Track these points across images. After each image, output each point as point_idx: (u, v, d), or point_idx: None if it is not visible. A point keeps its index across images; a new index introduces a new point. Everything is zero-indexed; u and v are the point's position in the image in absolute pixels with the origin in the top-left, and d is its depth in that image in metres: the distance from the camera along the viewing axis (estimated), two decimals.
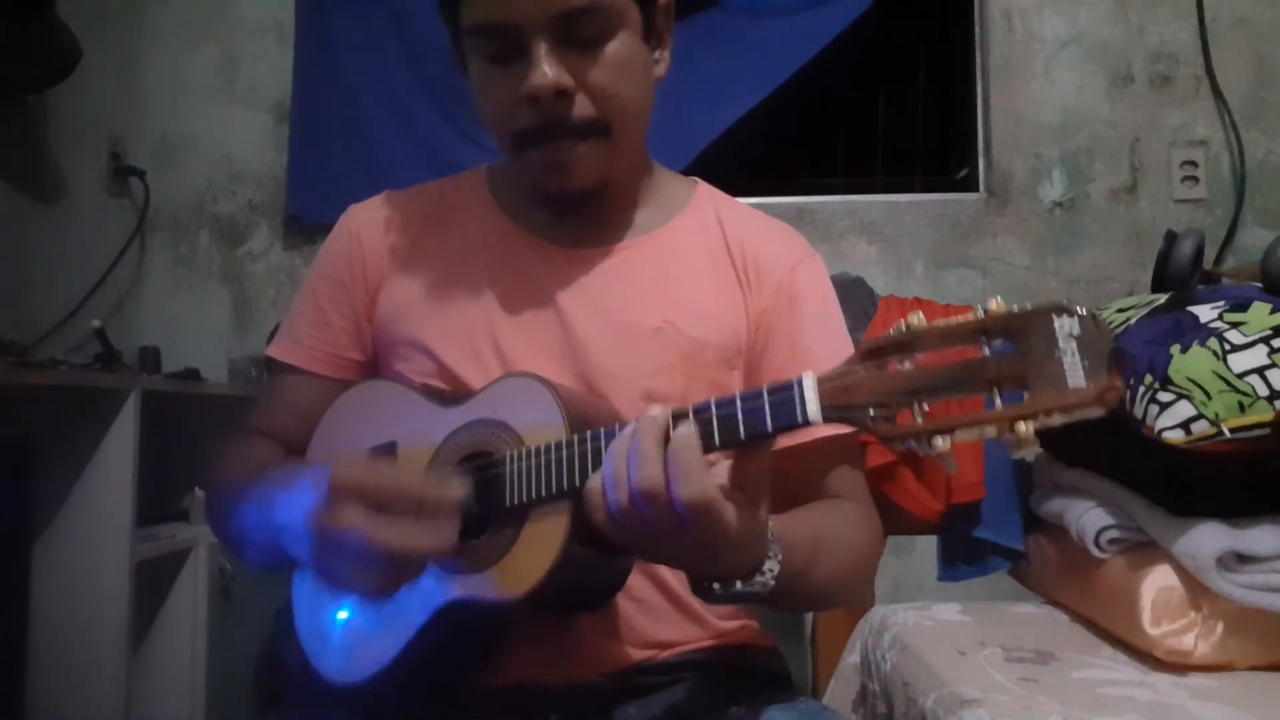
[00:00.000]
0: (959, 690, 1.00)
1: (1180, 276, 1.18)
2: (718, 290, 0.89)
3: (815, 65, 2.38)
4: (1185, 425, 1.03)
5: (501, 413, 0.75)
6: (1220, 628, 1.04)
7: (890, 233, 2.43)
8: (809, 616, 2.07)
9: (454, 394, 0.82)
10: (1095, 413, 0.51)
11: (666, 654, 0.84)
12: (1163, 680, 1.03)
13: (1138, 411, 1.08)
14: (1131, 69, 2.42)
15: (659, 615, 0.84)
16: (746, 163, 2.40)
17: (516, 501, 0.70)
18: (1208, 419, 1.02)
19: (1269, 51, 2.39)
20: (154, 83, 2.55)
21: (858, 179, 2.56)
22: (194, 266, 2.55)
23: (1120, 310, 1.26)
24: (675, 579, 0.84)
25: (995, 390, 0.53)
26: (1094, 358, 0.51)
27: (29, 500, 1.76)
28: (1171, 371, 1.05)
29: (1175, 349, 1.06)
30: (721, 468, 0.62)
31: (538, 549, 0.68)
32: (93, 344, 2.09)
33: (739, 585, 0.65)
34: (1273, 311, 1.07)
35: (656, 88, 0.88)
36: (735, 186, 1.04)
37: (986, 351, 0.54)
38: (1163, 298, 1.21)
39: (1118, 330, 1.19)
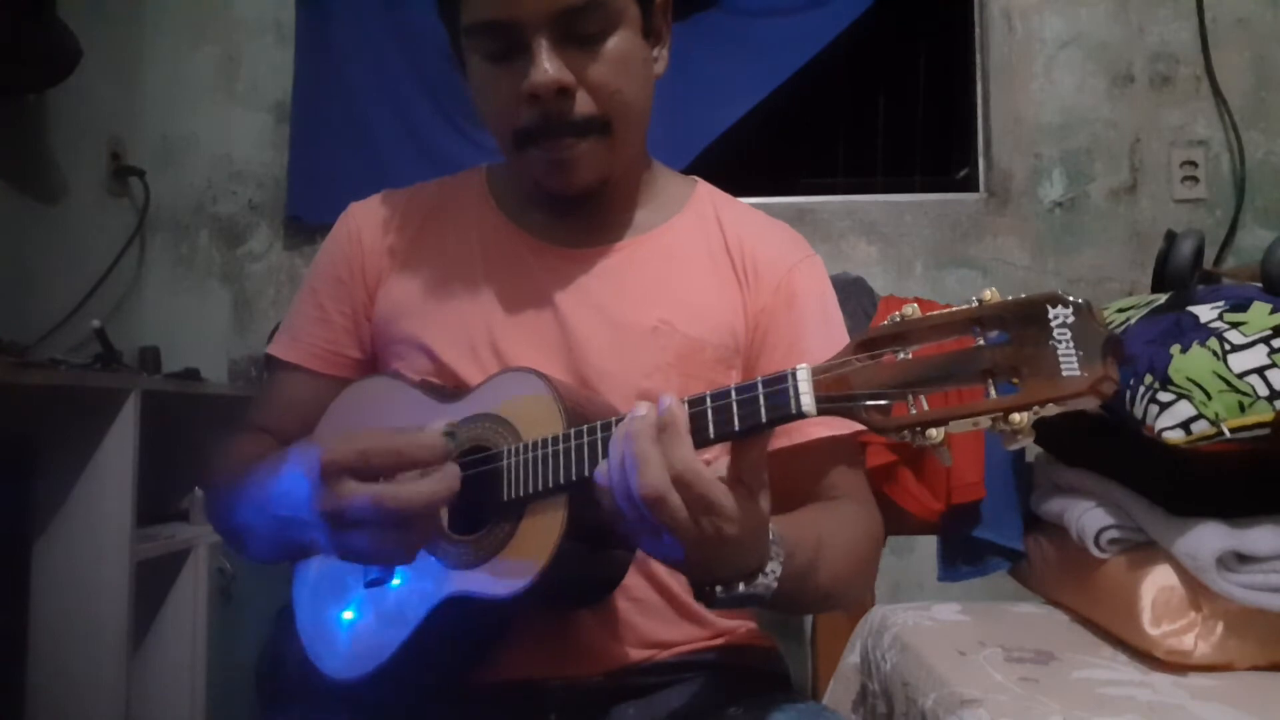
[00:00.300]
0: (959, 690, 1.00)
1: (1180, 276, 1.18)
2: (716, 290, 0.89)
3: (815, 65, 2.38)
4: (1185, 425, 1.03)
5: (499, 407, 0.75)
6: (1220, 628, 1.04)
7: (890, 233, 2.43)
8: (809, 617, 2.07)
9: (452, 390, 0.82)
10: (1089, 403, 0.51)
11: (666, 654, 0.84)
12: (1163, 680, 1.03)
13: (1138, 411, 1.08)
14: (1131, 69, 2.42)
15: (658, 615, 0.84)
16: (746, 163, 2.39)
17: (514, 495, 0.70)
18: (1208, 419, 1.02)
19: (1269, 51, 2.39)
20: (154, 83, 2.55)
21: (858, 179, 2.56)
22: (194, 266, 2.56)
23: (1120, 310, 1.26)
24: (674, 579, 0.84)
25: (990, 381, 0.53)
26: (1088, 347, 0.50)
27: (29, 500, 1.76)
28: (1171, 371, 1.05)
29: (1175, 349, 1.06)
30: (720, 460, 0.62)
31: (536, 542, 0.68)
32: (93, 344, 2.09)
33: (741, 587, 0.64)
34: (1273, 311, 1.07)
35: (656, 87, 0.88)
36: (735, 186, 1.04)
37: (981, 342, 0.54)
38: (1163, 298, 1.21)
39: (1118, 330, 1.19)
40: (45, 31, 1.96)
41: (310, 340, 0.92)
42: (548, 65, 0.77)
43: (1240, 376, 1.02)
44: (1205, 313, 1.10)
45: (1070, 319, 0.51)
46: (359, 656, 0.75)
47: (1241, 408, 1.02)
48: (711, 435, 0.61)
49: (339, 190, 1.38)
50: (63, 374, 1.79)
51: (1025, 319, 0.52)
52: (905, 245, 2.43)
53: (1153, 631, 1.06)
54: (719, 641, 0.87)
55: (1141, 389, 1.07)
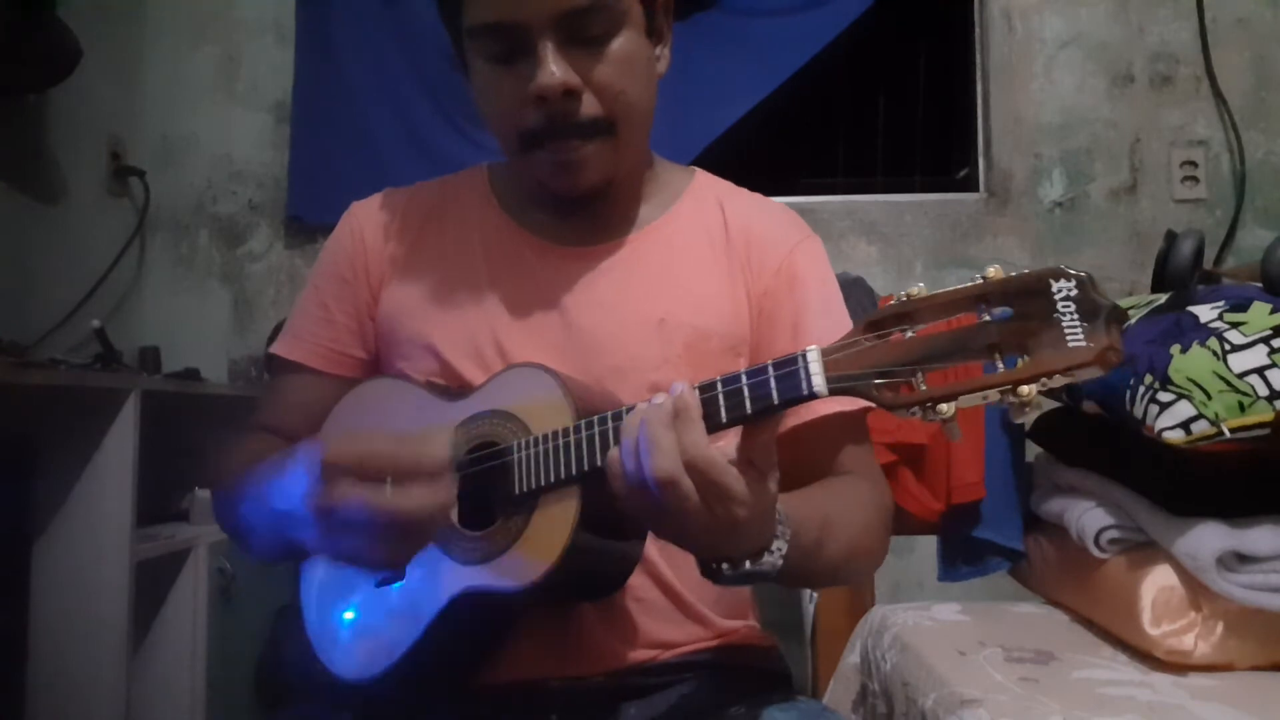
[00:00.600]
0: (959, 690, 1.00)
1: (1180, 276, 1.18)
2: (718, 278, 0.90)
3: (815, 65, 2.38)
4: (1185, 425, 1.03)
5: (506, 403, 0.75)
6: (1220, 628, 1.04)
7: (890, 233, 2.43)
8: (809, 617, 2.07)
9: (458, 389, 0.82)
10: (1095, 373, 0.51)
11: (668, 654, 0.84)
12: (1163, 680, 1.03)
13: (1138, 411, 1.08)
14: (1131, 69, 2.42)
15: (661, 615, 0.84)
16: (746, 163, 2.37)
17: (525, 489, 0.70)
18: (1208, 419, 1.02)
19: (1269, 51, 2.39)
20: (154, 83, 2.55)
21: (858, 179, 2.56)
22: (194, 266, 2.55)
23: None
24: (678, 578, 0.84)
25: (997, 355, 0.54)
26: (1092, 319, 0.51)
27: (29, 500, 1.76)
28: (1171, 371, 1.05)
29: (1175, 349, 1.06)
30: (730, 442, 0.62)
31: (549, 534, 0.68)
32: (93, 344, 2.09)
33: (748, 565, 0.65)
34: (1273, 311, 1.07)
35: (657, 87, 0.88)
36: None
37: (986, 318, 0.54)
38: (1163, 298, 1.21)
39: None
40: (45, 31, 1.96)
41: (314, 340, 0.92)
42: (554, 67, 0.77)
43: (1240, 376, 1.02)
44: (1205, 313, 1.10)
45: (1073, 292, 0.52)
46: (370, 656, 0.75)
47: (1241, 408, 1.02)
48: (724, 419, 0.62)
49: (339, 190, 1.38)
50: (63, 374, 1.79)
51: (1029, 294, 0.53)
52: (905, 245, 2.43)
53: (1153, 631, 1.06)
54: (720, 641, 0.87)
55: (1141, 389, 1.07)
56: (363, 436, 0.65)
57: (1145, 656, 1.09)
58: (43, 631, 1.76)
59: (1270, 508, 1.05)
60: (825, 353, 0.59)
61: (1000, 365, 0.53)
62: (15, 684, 1.73)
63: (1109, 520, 1.16)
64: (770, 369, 0.61)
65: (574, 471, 0.68)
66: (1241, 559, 1.03)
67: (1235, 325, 1.07)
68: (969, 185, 2.52)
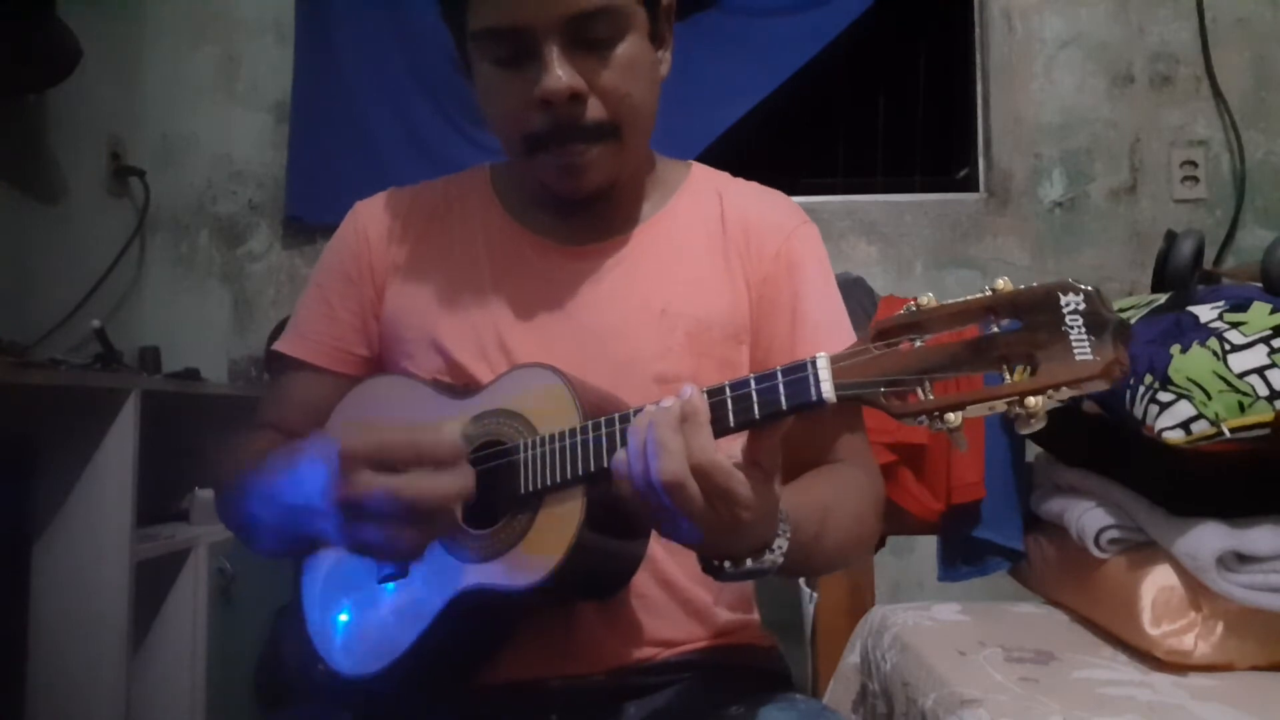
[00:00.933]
0: (959, 690, 1.00)
1: (1180, 276, 1.18)
2: (718, 267, 0.90)
3: (815, 65, 2.38)
4: (1185, 425, 1.03)
5: (513, 402, 0.75)
6: (1220, 628, 1.04)
7: (890, 233, 2.43)
8: (809, 617, 2.07)
9: (464, 387, 0.83)
10: (1101, 386, 0.52)
11: (668, 653, 0.84)
12: (1163, 680, 1.03)
13: (1138, 411, 1.08)
14: (1131, 69, 2.42)
15: (661, 612, 0.84)
16: (746, 163, 2.37)
17: (531, 488, 0.71)
18: (1208, 419, 1.02)
19: (1269, 51, 2.39)
20: (154, 83, 2.55)
21: (858, 179, 2.56)
22: (194, 266, 2.55)
23: (1120, 310, 1.26)
24: (680, 574, 0.85)
25: (1004, 367, 0.54)
26: (1099, 333, 0.52)
27: (29, 500, 1.76)
28: (1171, 371, 1.05)
29: (1175, 349, 1.06)
30: (736, 444, 0.63)
31: (554, 533, 0.69)
32: (93, 344, 2.09)
33: (749, 563, 0.66)
34: (1273, 311, 1.07)
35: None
36: None
37: (995, 329, 0.55)
38: (1163, 298, 1.21)
39: None
40: (45, 31, 1.96)
41: (317, 338, 0.92)
42: (560, 71, 0.77)
43: (1240, 376, 1.02)
44: (1205, 313, 1.10)
45: (1081, 305, 0.53)
46: (371, 652, 0.75)
47: (1241, 408, 1.02)
48: (732, 424, 0.63)
49: (339, 190, 1.38)
50: (63, 374, 1.79)
51: (1038, 306, 0.54)
52: (905, 245, 2.43)
53: (1153, 631, 1.06)
54: (720, 641, 0.87)
55: (1141, 389, 1.07)
56: (377, 427, 0.65)
57: (1145, 656, 1.09)
58: (43, 631, 1.76)
59: (1270, 508, 1.05)
60: (834, 360, 0.60)
61: (1007, 376, 0.54)
62: (15, 684, 1.73)
63: (1109, 520, 1.16)
64: (779, 375, 0.62)
65: (580, 472, 0.68)
66: (1241, 559, 1.03)
67: (1235, 325, 1.07)
68: (969, 185, 2.52)
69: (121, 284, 2.41)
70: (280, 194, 2.53)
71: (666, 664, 0.84)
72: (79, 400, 1.74)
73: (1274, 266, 1.14)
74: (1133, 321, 1.18)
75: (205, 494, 2.05)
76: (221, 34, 2.58)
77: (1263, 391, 1.02)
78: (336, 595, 0.80)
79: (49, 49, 1.99)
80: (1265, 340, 1.04)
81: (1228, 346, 1.05)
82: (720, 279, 0.90)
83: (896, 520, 1.47)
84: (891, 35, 2.53)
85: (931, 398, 0.56)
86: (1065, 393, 0.53)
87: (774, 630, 0.95)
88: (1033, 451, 1.48)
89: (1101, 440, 1.22)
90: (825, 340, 0.87)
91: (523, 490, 0.71)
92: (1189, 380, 1.04)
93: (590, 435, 0.68)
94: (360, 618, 0.78)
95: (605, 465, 0.66)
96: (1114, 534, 1.16)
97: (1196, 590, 1.05)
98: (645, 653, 0.83)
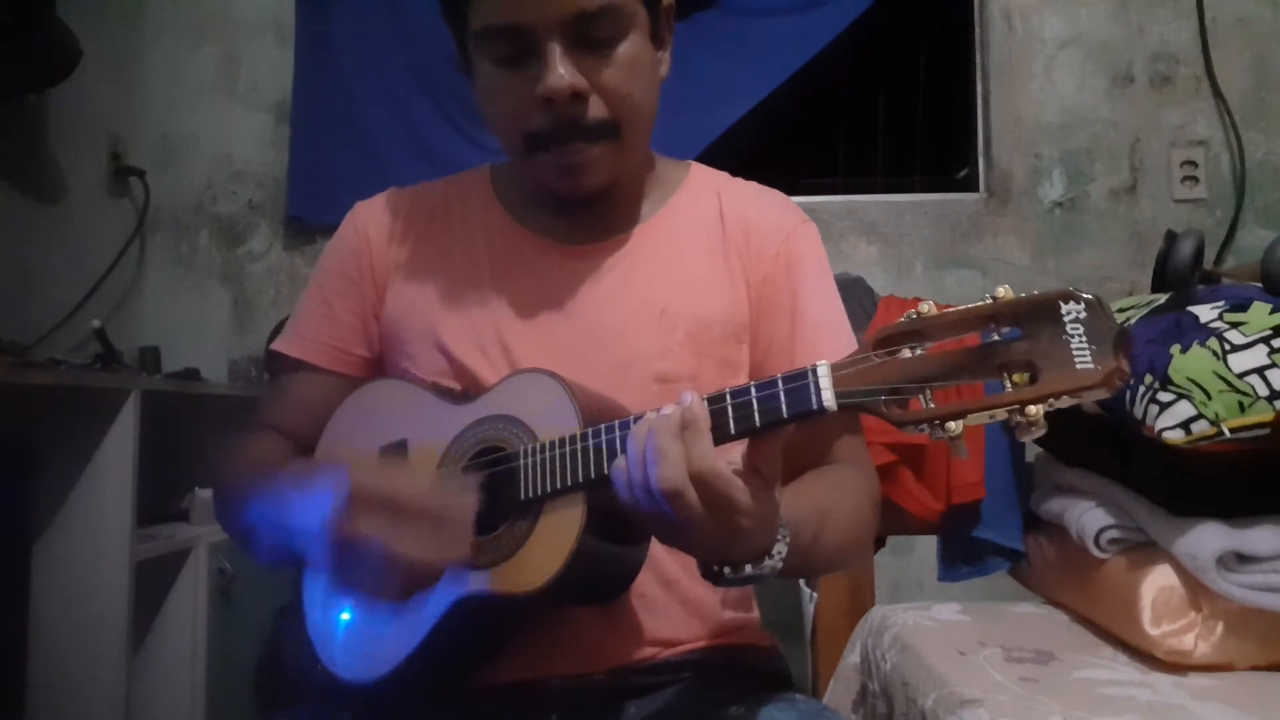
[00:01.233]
0: (959, 690, 1.00)
1: (1180, 276, 1.18)
2: (717, 267, 0.90)
3: (815, 65, 2.38)
4: (1185, 425, 1.03)
5: (513, 408, 0.75)
6: (1220, 628, 1.04)
7: (890, 233, 2.43)
8: (809, 617, 2.07)
9: (464, 391, 0.83)
10: (1101, 394, 0.52)
11: (668, 653, 0.84)
12: (1163, 680, 1.03)
13: (1138, 411, 1.08)
14: (1131, 69, 2.42)
15: (662, 612, 0.84)
16: (746, 163, 2.37)
17: (531, 495, 0.71)
18: (1208, 419, 1.02)
19: (1269, 51, 2.39)
20: (154, 83, 2.55)
21: (858, 179, 2.56)
22: (194, 266, 2.56)
23: (1120, 310, 1.26)
24: (681, 572, 0.85)
25: (1005, 375, 0.54)
26: (1100, 341, 0.52)
27: (29, 500, 1.76)
28: (1171, 371, 1.05)
29: (1175, 349, 1.06)
30: (736, 451, 0.63)
31: (554, 539, 0.69)
32: (93, 344, 2.09)
33: (749, 569, 0.66)
34: (1273, 311, 1.07)
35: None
36: None
37: (996, 337, 0.55)
38: (1163, 298, 1.21)
39: None
40: (45, 31, 1.96)
41: (317, 338, 0.92)
42: (562, 70, 0.77)
43: (1240, 376, 1.02)
44: (1205, 313, 1.10)
45: (1082, 314, 0.53)
46: (372, 658, 0.75)
47: (1241, 408, 1.02)
48: (732, 431, 0.63)
49: (339, 190, 1.38)
50: (63, 374, 1.79)
51: (1039, 315, 0.54)
52: (905, 245, 2.43)
53: (1153, 631, 1.06)
54: (720, 641, 0.87)
55: (1141, 389, 1.07)
56: (392, 472, 0.67)
57: (1145, 656, 1.09)
58: (43, 631, 1.76)
59: (1270, 508, 1.05)
60: (835, 368, 0.60)
61: (1008, 385, 0.54)
62: (15, 684, 1.73)
63: (1109, 520, 1.16)
64: (780, 383, 0.62)
65: (580, 479, 0.68)
66: (1241, 559, 1.03)
67: (1235, 325, 1.07)
68: (969, 185, 2.52)
69: (121, 284, 2.41)
70: (280, 194, 2.53)
71: (667, 663, 0.84)
72: (79, 400, 1.74)
73: (1274, 266, 1.14)
74: (1133, 321, 1.18)
75: (205, 494, 2.06)
76: (221, 34, 2.58)
77: (1263, 391, 1.01)
78: (337, 599, 0.80)
79: (49, 49, 1.99)
80: (1265, 340, 1.04)
81: (1228, 346, 1.05)
82: (720, 278, 0.90)
83: (896, 520, 1.46)
84: (891, 35, 2.52)
85: (933, 406, 0.56)
86: (1066, 401, 0.53)
87: (774, 630, 0.95)
88: (1033, 451, 1.48)
89: (1102, 440, 1.22)
90: (824, 340, 0.87)
91: (523, 496, 0.71)
92: (1189, 380, 1.04)
93: (590, 442, 0.68)
94: (360, 622, 0.78)
95: (605, 472, 0.66)
96: (1114, 534, 1.16)
97: (1196, 590, 1.05)
98: (645, 652, 0.83)
